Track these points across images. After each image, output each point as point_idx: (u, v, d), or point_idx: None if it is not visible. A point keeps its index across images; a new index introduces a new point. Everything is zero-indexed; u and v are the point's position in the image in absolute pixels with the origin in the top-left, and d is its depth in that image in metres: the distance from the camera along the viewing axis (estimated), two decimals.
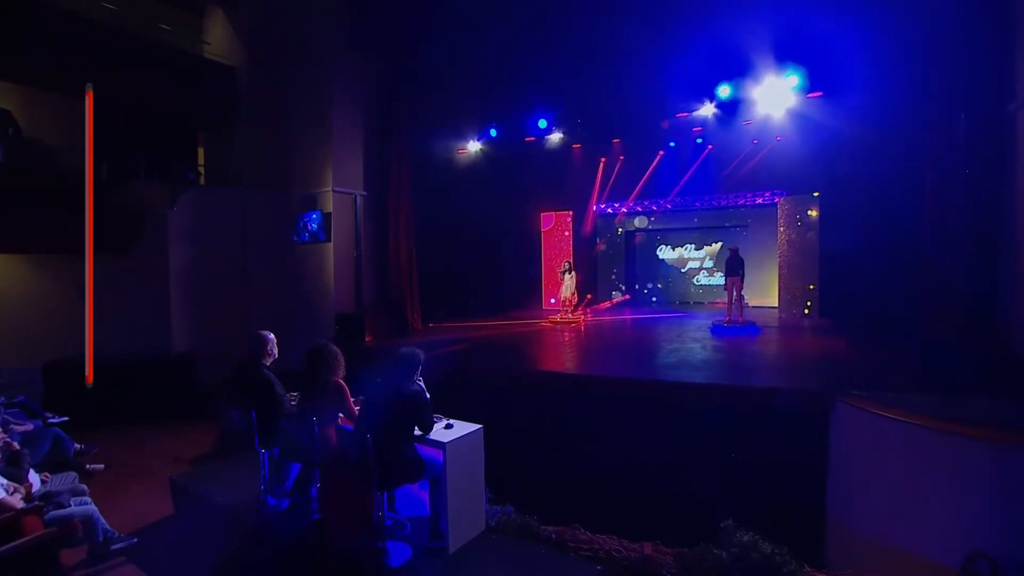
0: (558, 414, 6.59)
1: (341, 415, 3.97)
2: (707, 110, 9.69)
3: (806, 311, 12.29)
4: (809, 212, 12.70)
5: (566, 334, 10.83)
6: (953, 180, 7.20)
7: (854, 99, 9.00)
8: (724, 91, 8.93)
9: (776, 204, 14.05)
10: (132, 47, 8.78)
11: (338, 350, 4.06)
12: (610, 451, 6.05)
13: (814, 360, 7.42)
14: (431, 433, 3.80)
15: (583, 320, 12.48)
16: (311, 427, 3.81)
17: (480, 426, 4.05)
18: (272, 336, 4.69)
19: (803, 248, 12.73)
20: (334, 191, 10.33)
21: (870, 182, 10.37)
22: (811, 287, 12.54)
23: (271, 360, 4.66)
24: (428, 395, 3.83)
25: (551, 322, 12.38)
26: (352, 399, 3.99)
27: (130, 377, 7.99)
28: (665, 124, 9.90)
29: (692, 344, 9.15)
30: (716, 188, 14.99)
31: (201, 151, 11.00)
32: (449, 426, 4.01)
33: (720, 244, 16.18)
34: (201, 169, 10.62)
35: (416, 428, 3.70)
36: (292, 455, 4.30)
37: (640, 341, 9.56)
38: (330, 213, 10.32)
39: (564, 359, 8.47)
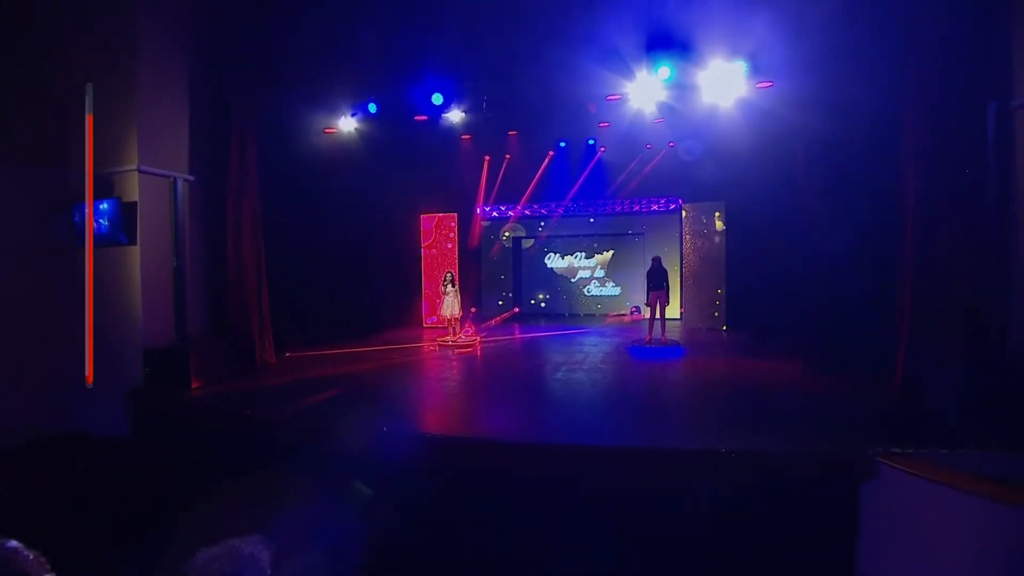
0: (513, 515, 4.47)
1: None
2: (645, 92, 8.16)
3: (724, 328, 11.46)
4: (716, 219, 11.99)
5: (462, 363, 8.73)
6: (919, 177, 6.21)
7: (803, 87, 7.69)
8: (664, 72, 7.49)
9: (674, 211, 13.37)
10: None
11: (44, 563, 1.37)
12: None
13: (789, 396, 6.14)
14: None
15: (477, 343, 10.47)
16: None
17: None
18: (28, 555, 1.89)
19: (710, 256, 11.98)
20: (141, 171, 7.11)
21: (789, 185, 9.55)
22: (717, 303, 11.83)
23: None
24: None
25: (440, 346, 10.21)
26: None
27: None
28: (592, 107, 8.29)
29: (631, 374, 7.68)
30: (613, 193, 14.01)
31: None
32: None
33: (612, 252, 15.39)
34: None
35: None
36: None
37: (557, 371, 7.69)
38: (135, 203, 7.07)
39: (477, 409, 6.41)
